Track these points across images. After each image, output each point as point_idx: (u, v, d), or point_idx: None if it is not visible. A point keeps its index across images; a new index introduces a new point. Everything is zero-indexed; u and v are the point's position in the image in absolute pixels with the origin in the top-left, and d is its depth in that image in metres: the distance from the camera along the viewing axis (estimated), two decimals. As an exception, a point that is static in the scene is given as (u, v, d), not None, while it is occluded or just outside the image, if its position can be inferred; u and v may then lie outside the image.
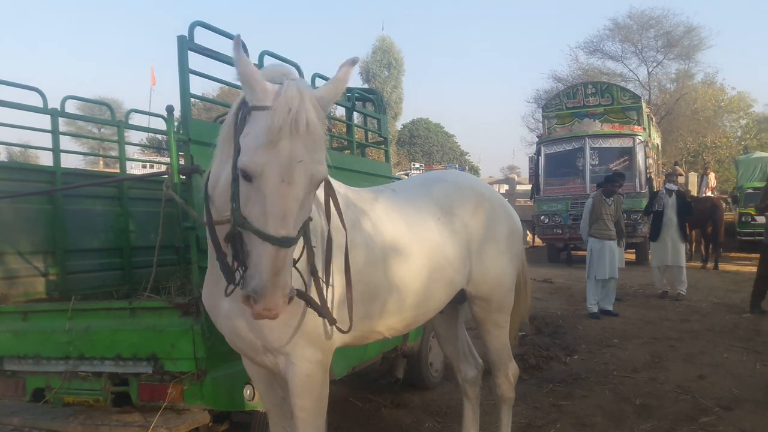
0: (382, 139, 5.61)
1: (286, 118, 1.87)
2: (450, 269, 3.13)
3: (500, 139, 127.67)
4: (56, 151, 4.46)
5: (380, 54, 56.69)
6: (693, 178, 23.17)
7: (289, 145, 1.88)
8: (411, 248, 2.92)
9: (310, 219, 2.21)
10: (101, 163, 23.46)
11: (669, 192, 10.59)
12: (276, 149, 1.88)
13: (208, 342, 3.11)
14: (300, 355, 2.46)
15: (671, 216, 10.43)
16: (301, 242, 2.24)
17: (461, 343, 4.02)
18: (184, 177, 3.26)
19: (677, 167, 25.79)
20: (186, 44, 3.21)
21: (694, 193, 19.41)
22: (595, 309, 9.26)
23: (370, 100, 5.58)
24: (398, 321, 2.96)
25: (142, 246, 5.04)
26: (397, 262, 2.84)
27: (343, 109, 5.11)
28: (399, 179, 6.00)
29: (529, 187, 24.17)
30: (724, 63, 69.37)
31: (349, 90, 5.06)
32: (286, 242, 1.90)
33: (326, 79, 4.77)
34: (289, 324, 2.41)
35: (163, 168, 3.47)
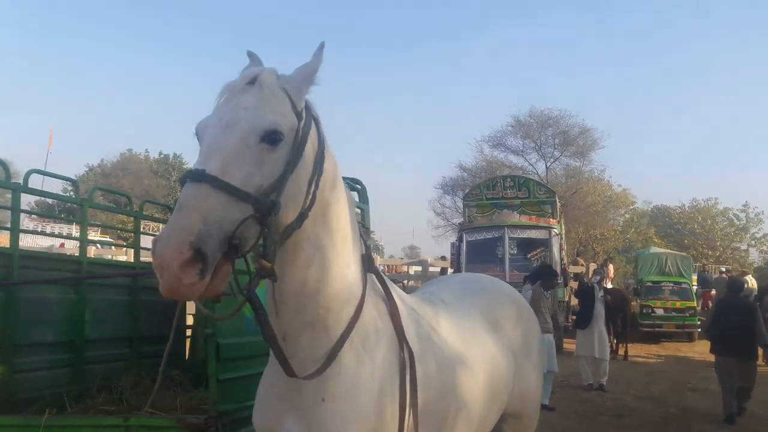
0: (365, 228, 5.45)
1: (235, 80, 1.94)
2: (504, 388, 2.98)
3: (401, 219, 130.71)
4: (15, 230, 3.90)
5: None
6: (592, 268, 24.68)
7: (236, 97, 1.86)
8: (476, 369, 2.75)
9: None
10: None
11: (597, 285, 11.18)
12: (223, 102, 1.88)
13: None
14: None
15: (600, 309, 10.92)
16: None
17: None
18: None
19: (578, 258, 27.49)
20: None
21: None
22: (533, 403, 9.29)
23: (356, 189, 5.46)
24: None
25: (95, 339, 4.46)
26: (466, 386, 2.64)
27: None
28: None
29: (438, 269, 24.80)
30: (612, 162, 76.64)
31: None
32: (198, 175, 1.66)
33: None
34: None
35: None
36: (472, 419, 2.69)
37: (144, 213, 5.32)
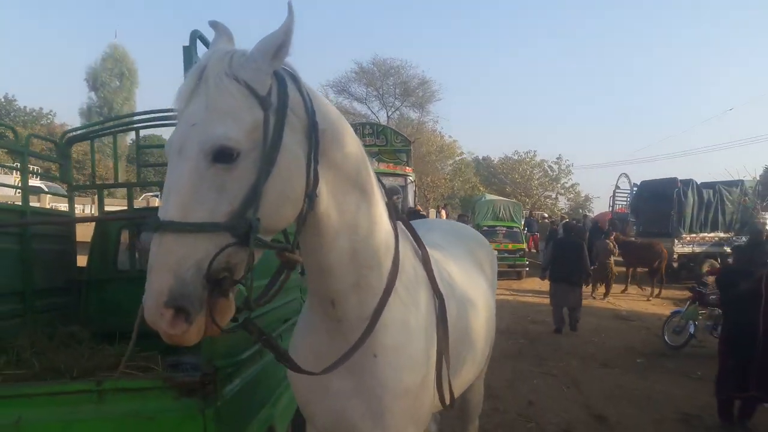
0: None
1: (185, 80, 1.65)
2: (494, 326, 3.20)
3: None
4: None
5: (111, 62, 52.26)
6: (432, 213, 26.34)
7: (186, 107, 1.60)
8: (480, 310, 2.87)
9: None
10: None
11: None
12: (178, 114, 1.63)
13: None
14: None
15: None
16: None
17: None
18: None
19: (418, 206, 29.08)
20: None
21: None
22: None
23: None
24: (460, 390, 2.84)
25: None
26: (474, 327, 2.75)
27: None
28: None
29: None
30: (445, 114, 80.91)
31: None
32: (155, 224, 1.49)
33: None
34: (414, 411, 2.16)
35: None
36: (476, 359, 2.82)
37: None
